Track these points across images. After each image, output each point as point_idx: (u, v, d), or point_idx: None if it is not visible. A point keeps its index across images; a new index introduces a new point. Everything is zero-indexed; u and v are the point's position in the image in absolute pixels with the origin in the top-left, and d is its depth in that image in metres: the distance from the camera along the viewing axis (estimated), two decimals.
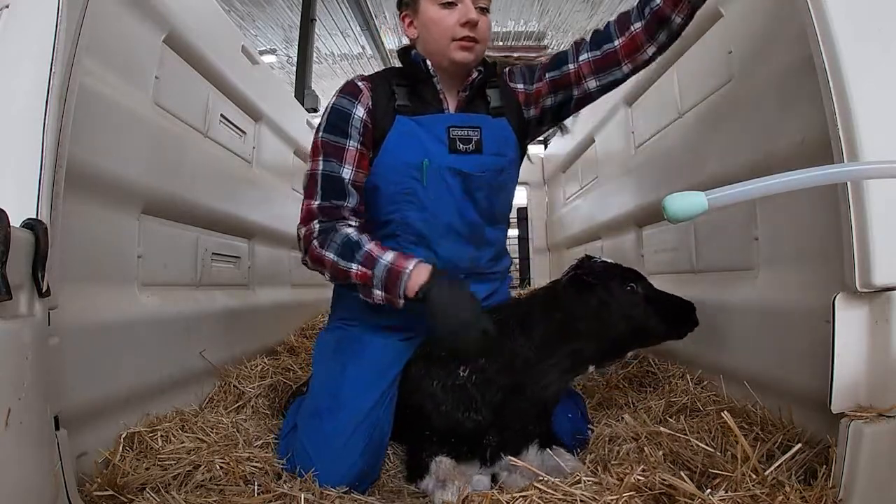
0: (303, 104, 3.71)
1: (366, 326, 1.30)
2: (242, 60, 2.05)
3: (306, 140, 2.80)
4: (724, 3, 1.41)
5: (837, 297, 0.86)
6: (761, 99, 1.27)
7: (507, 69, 1.39)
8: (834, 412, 0.85)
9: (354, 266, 1.17)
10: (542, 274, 3.69)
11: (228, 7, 6.36)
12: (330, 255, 1.20)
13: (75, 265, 1.10)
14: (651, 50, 1.24)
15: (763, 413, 1.15)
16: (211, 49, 1.73)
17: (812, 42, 0.89)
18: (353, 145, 1.24)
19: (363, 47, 7.58)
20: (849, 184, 0.84)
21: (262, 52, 7.17)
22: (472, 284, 1.28)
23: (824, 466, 0.87)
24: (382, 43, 7.15)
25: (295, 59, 5.04)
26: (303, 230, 1.26)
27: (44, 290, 0.81)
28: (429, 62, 1.27)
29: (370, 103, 1.26)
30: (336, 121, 1.25)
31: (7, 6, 0.91)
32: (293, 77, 4.88)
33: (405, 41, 1.37)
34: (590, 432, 1.26)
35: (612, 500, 0.83)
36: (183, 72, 1.63)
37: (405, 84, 1.30)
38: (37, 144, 0.84)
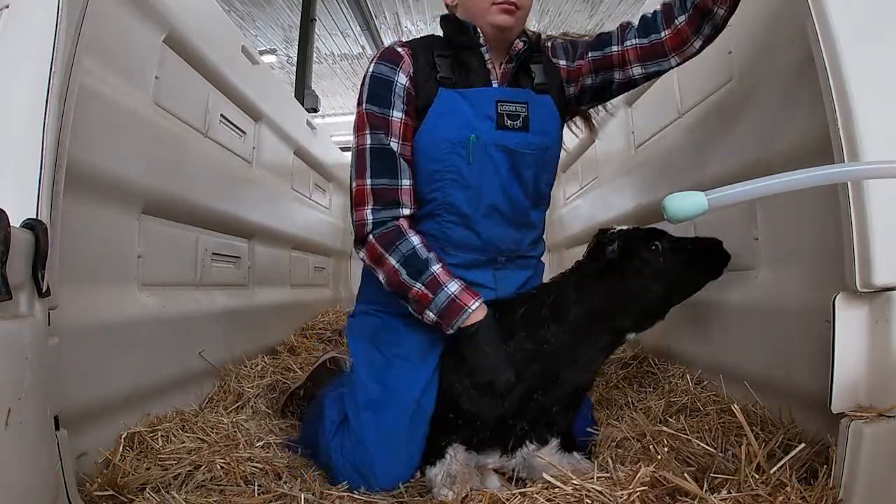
0: (303, 104, 3.71)
1: (398, 312, 1.23)
2: (242, 60, 2.05)
3: (306, 140, 2.81)
4: None
5: (837, 297, 0.86)
6: (761, 99, 1.27)
7: (549, 43, 1.33)
8: (834, 412, 0.85)
9: (417, 286, 1.11)
10: (543, 274, 3.68)
11: (228, 7, 6.36)
12: (392, 262, 1.13)
13: (75, 265, 1.10)
14: (698, 43, 1.20)
15: (763, 413, 1.15)
16: (211, 49, 1.73)
17: (812, 42, 0.89)
18: (397, 116, 1.16)
19: (363, 47, 7.59)
20: (849, 184, 0.84)
21: (262, 52, 7.18)
22: (511, 270, 1.26)
23: (824, 466, 0.87)
24: (382, 43, 7.16)
25: (295, 59, 5.05)
26: (356, 215, 1.17)
27: (44, 290, 0.81)
28: (477, 27, 1.20)
29: (412, 70, 1.19)
30: (377, 89, 1.17)
31: (7, 6, 0.91)
32: (293, 77, 4.89)
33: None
34: (596, 434, 1.25)
35: (623, 494, 0.82)
36: (183, 72, 1.63)
37: (447, 54, 1.22)
38: (37, 144, 0.84)
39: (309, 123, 2.93)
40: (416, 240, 1.14)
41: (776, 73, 1.20)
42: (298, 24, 5.24)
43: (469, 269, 1.23)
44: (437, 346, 1.19)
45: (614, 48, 1.26)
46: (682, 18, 1.18)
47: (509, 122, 1.19)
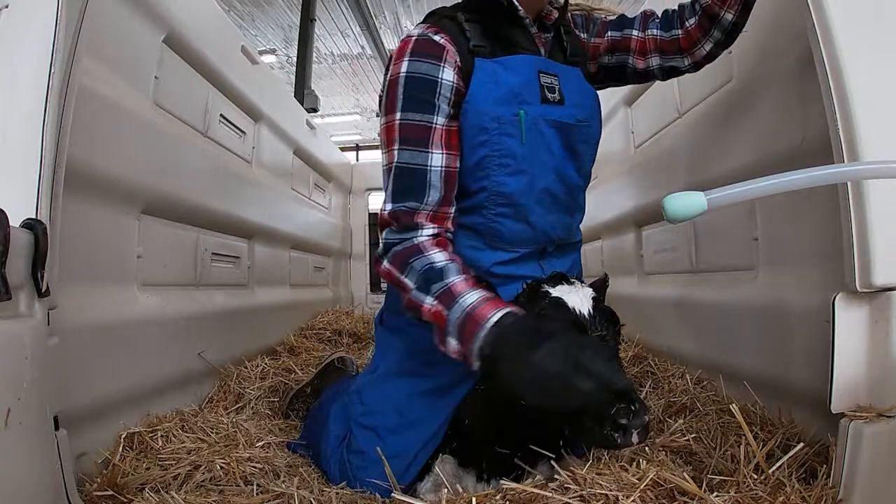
0: (302, 104, 3.71)
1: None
2: (242, 60, 2.05)
3: (306, 140, 2.81)
4: None
5: (837, 297, 0.86)
6: (761, 99, 1.27)
7: (568, 14, 1.25)
8: (834, 412, 0.85)
9: (428, 301, 0.93)
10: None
11: (228, 7, 6.36)
12: (408, 283, 0.97)
13: (75, 265, 1.10)
14: (708, 46, 1.17)
15: (763, 413, 1.15)
16: (211, 49, 1.73)
17: (812, 42, 0.89)
18: (441, 122, 0.99)
19: (363, 47, 7.59)
20: (849, 184, 0.84)
21: (261, 52, 7.17)
22: (557, 258, 1.17)
23: (824, 466, 0.87)
24: (382, 43, 7.16)
25: (295, 59, 5.04)
26: (380, 237, 1.06)
27: (43, 290, 0.81)
28: None
29: (457, 59, 1.01)
30: (417, 92, 0.99)
31: (7, 6, 0.91)
32: (293, 77, 4.88)
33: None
34: None
35: (622, 496, 0.82)
36: (183, 72, 1.63)
37: (476, 20, 1.06)
38: (37, 144, 0.83)
39: (308, 123, 2.93)
40: (433, 254, 0.97)
41: (776, 73, 1.20)
42: (298, 24, 5.24)
43: (516, 263, 1.13)
44: (466, 380, 1.05)
45: (635, 33, 1.23)
46: (692, 21, 1.18)
47: (549, 94, 1.06)
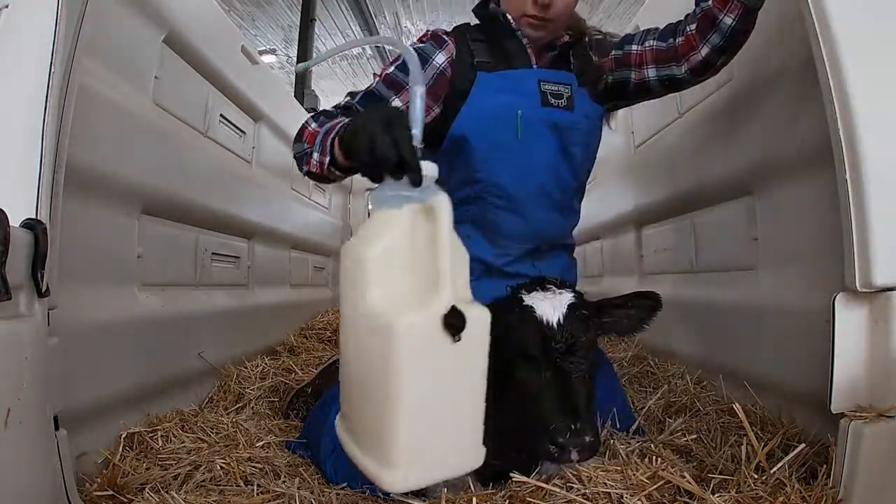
0: (302, 104, 3.71)
1: None
2: (242, 60, 2.05)
3: None
4: None
5: (837, 297, 0.86)
6: (761, 99, 1.27)
7: (586, 38, 1.31)
8: (834, 412, 0.85)
9: (312, 125, 1.05)
10: None
11: (228, 7, 6.36)
12: (311, 126, 1.08)
13: (75, 265, 1.10)
14: (704, 51, 1.17)
15: (763, 413, 1.15)
16: (211, 49, 1.73)
17: (812, 42, 0.88)
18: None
19: (363, 47, 7.59)
20: (849, 184, 0.84)
21: (261, 52, 7.17)
22: (550, 258, 1.21)
23: (824, 466, 0.87)
24: None
25: (295, 59, 5.04)
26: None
27: (43, 291, 0.81)
28: (510, 16, 1.19)
29: (454, 54, 1.20)
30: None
31: (7, 6, 0.91)
32: (293, 77, 4.88)
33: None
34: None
35: (634, 495, 0.82)
36: (183, 72, 1.63)
37: (482, 39, 1.22)
38: (36, 144, 0.83)
39: None
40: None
41: (776, 73, 1.20)
42: (298, 24, 5.24)
43: (511, 264, 1.20)
44: None
45: (634, 47, 1.25)
46: (692, 26, 1.17)
47: (553, 100, 1.16)
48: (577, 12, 1.29)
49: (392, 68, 1.17)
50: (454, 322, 0.67)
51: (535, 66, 1.22)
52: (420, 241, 0.71)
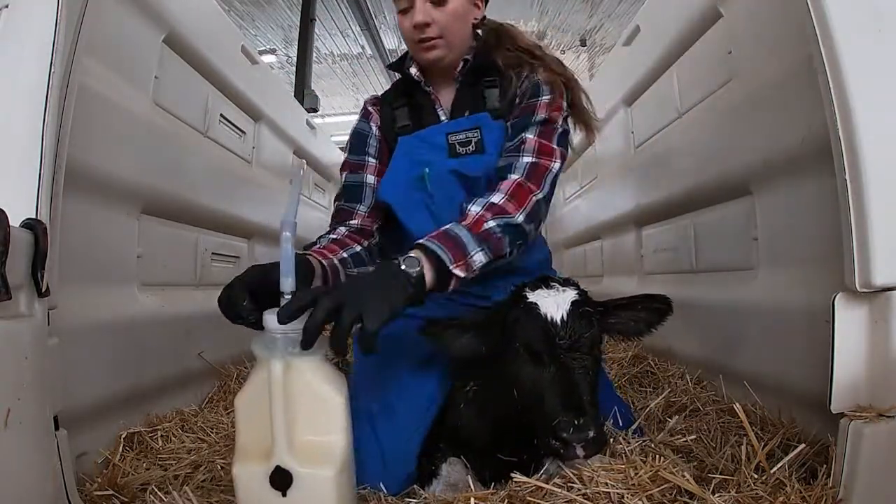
0: (302, 104, 3.71)
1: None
2: (242, 60, 2.05)
3: (306, 140, 2.81)
4: (724, 4, 1.41)
5: (837, 297, 0.86)
6: (761, 99, 1.27)
7: (525, 73, 1.23)
8: (834, 412, 0.85)
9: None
10: None
11: (228, 7, 6.35)
12: None
13: (75, 265, 1.10)
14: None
15: (762, 413, 1.15)
16: (211, 49, 1.73)
17: (812, 42, 0.89)
18: (371, 161, 1.32)
19: (363, 47, 7.58)
20: (849, 184, 0.84)
21: (261, 52, 7.17)
22: (498, 280, 1.19)
23: (824, 466, 0.87)
24: (382, 43, 7.16)
25: (295, 59, 5.05)
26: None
27: (43, 290, 0.81)
28: (413, 69, 1.27)
29: (379, 121, 1.33)
30: (355, 141, 1.33)
31: (7, 6, 0.91)
32: (293, 77, 4.88)
33: (404, 45, 1.32)
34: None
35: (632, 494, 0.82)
36: (183, 72, 1.63)
37: (403, 103, 1.31)
38: (37, 144, 0.83)
39: (308, 123, 2.93)
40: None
41: (776, 73, 1.20)
42: (298, 23, 5.24)
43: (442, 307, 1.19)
44: (436, 360, 1.12)
45: (507, 144, 1.20)
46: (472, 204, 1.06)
47: (461, 148, 1.21)
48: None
49: (348, 155, 1.34)
50: (278, 481, 0.74)
51: (444, 118, 1.27)
52: (278, 392, 0.77)
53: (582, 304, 0.94)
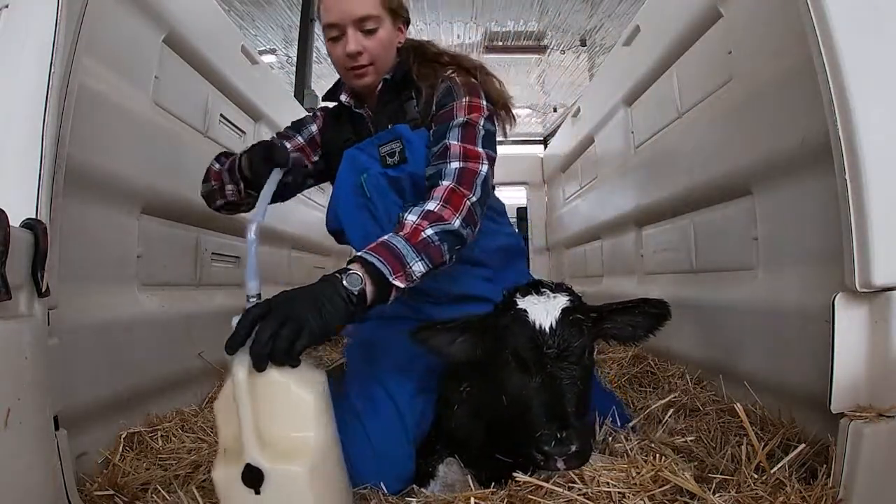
0: (302, 104, 3.70)
1: (380, 319, 1.23)
2: (242, 60, 2.05)
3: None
4: (723, 4, 1.41)
5: (837, 297, 0.86)
6: (761, 99, 1.27)
7: (439, 80, 1.27)
8: (834, 412, 0.85)
9: (216, 166, 1.36)
10: (542, 274, 3.69)
11: (228, 7, 6.35)
12: (215, 167, 1.39)
13: (75, 265, 1.10)
14: None
15: (762, 413, 1.15)
16: (211, 49, 1.73)
17: (812, 42, 0.89)
18: (299, 140, 1.42)
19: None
20: (849, 184, 0.84)
21: (261, 52, 7.16)
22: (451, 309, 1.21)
23: (824, 466, 0.87)
24: None
25: (295, 59, 5.04)
26: None
27: (43, 290, 0.81)
28: (343, 96, 1.36)
29: (320, 125, 1.44)
30: (297, 123, 1.46)
31: (7, 6, 0.91)
32: (293, 77, 4.88)
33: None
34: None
35: (635, 495, 0.82)
36: (183, 72, 1.63)
37: (346, 119, 1.39)
38: (36, 144, 0.83)
39: None
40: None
41: (776, 73, 1.20)
42: (298, 23, 5.23)
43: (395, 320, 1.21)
44: (420, 356, 1.11)
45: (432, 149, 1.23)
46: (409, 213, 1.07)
47: (389, 160, 1.26)
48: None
49: (288, 128, 1.45)
50: (249, 479, 0.75)
51: (371, 133, 1.35)
52: (242, 392, 0.78)
53: (573, 312, 0.93)
